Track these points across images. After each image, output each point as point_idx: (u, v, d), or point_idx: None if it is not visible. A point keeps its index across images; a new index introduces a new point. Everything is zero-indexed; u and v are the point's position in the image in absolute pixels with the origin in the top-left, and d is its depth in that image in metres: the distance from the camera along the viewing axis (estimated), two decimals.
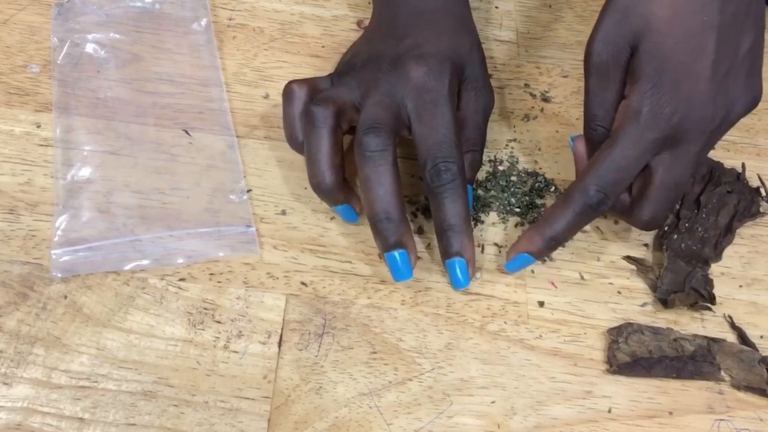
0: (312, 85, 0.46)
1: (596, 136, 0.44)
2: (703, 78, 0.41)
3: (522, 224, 0.48)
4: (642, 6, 0.42)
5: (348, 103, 0.45)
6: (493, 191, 0.49)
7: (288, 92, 0.46)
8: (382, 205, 0.42)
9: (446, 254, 0.43)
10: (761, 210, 0.50)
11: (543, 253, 0.44)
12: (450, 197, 0.43)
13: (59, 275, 0.43)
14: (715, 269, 0.47)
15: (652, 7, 0.42)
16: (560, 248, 0.47)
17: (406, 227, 0.43)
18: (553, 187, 0.50)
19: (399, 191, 0.42)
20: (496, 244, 0.47)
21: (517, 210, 0.48)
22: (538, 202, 0.49)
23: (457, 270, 0.43)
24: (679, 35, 0.41)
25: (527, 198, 0.49)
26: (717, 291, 0.46)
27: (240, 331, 0.42)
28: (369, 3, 0.57)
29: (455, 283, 0.44)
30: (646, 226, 0.44)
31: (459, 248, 0.43)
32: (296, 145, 0.46)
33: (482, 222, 0.48)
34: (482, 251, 0.47)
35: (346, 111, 0.45)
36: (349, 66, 0.48)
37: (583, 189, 0.42)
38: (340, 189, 0.44)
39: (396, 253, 0.42)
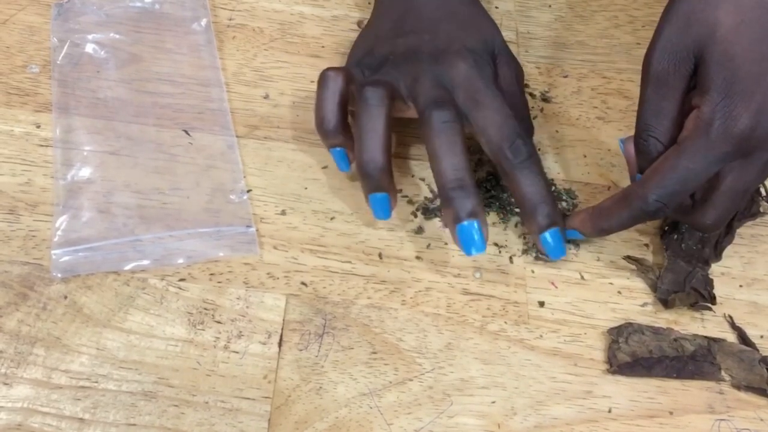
0: (347, 73, 0.47)
1: (647, 147, 0.43)
2: None
3: (522, 223, 0.48)
4: (706, 13, 0.41)
5: (397, 90, 0.45)
6: (493, 191, 0.49)
7: (324, 78, 0.46)
8: (456, 174, 0.42)
9: (541, 228, 0.44)
10: (761, 210, 0.50)
11: (593, 236, 0.46)
12: (533, 171, 0.43)
13: (59, 275, 0.43)
14: (715, 269, 0.47)
15: (717, 14, 0.40)
16: None
17: (478, 193, 0.43)
18: (553, 187, 0.49)
19: (468, 158, 0.43)
20: (496, 244, 0.47)
21: (517, 210, 0.48)
22: None
23: (556, 240, 0.44)
24: (747, 43, 0.40)
25: None
26: (717, 291, 0.46)
27: (240, 332, 0.42)
28: (369, 3, 0.57)
29: (555, 255, 0.44)
30: (707, 230, 0.44)
31: (553, 219, 0.43)
32: (325, 129, 0.46)
33: None
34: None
35: (396, 98, 0.45)
36: (380, 58, 0.48)
37: (643, 196, 0.42)
38: (388, 172, 0.44)
39: (468, 223, 0.42)
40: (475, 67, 0.46)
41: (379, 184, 0.44)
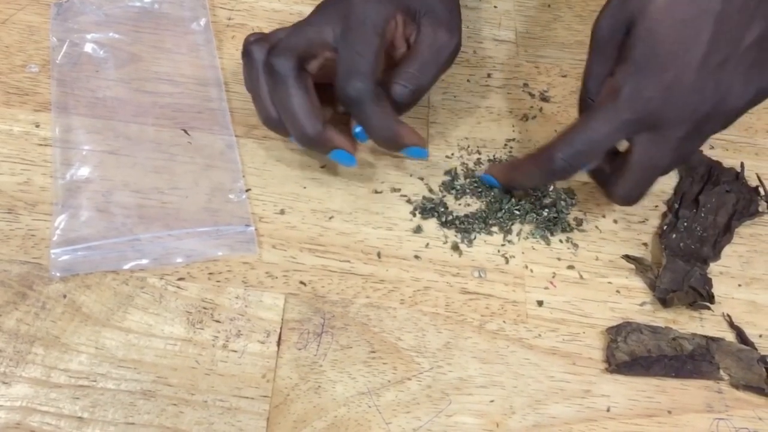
0: (272, 39, 0.46)
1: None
2: (691, 67, 0.41)
3: (521, 223, 0.48)
4: None
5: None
6: (493, 191, 0.49)
7: (247, 54, 0.46)
8: (300, 125, 0.44)
9: (398, 149, 0.46)
10: (760, 209, 0.50)
11: (506, 186, 0.48)
12: (366, 116, 0.44)
13: (58, 274, 0.43)
14: (713, 268, 0.47)
15: None
16: (559, 247, 0.47)
17: (328, 131, 0.44)
18: (552, 187, 0.49)
19: (310, 106, 0.44)
20: (495, 242, 0.47)
21: (517, 211, 0.48)
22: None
23: (412, 153, 0.46)
24: (673, 22, 0.41)
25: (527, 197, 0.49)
26: (716, 290, 0.46)
27: (239, 331, 0.42)
28: None
29: (418, 157, 0.48)
30: (619, 201, 0.46)
31: (402, 145, 0.45)
32: (270, 120, 0.46)
33: None
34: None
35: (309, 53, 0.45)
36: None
37: (550, 155, 0.44)
38: (326, 133, 0.45)
39: (335, 153, 0.45)
40: (360, 9, 0.44)
41: (324, 146, 0.45)
